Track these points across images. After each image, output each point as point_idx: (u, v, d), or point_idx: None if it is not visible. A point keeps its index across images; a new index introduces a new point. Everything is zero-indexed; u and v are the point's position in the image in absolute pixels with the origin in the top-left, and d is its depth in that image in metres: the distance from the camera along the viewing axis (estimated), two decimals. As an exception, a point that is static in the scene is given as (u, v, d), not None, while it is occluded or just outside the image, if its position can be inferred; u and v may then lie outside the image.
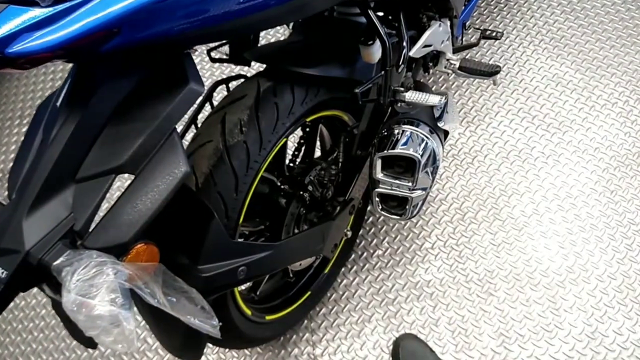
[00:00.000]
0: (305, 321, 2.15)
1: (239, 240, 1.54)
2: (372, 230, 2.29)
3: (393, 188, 1.59)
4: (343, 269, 2.22)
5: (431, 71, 2.02)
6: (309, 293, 1.99)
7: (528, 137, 2.42)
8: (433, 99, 1.53)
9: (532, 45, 2.68)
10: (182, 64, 1.14)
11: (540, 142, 2.41)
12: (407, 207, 1.62)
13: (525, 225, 2.22)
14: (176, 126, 1.14)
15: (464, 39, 2.09)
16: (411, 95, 1.55)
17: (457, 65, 1.94)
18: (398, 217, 1.64)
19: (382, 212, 1.64)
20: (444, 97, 1.55)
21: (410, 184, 1.57)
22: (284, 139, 1.57)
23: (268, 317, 1.81)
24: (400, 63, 1.59)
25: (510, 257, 2.17)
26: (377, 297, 2.16)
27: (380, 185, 1.60)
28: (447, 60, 1.96)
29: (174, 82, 1.14)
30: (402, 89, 1.58)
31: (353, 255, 2.24)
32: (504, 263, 2.16)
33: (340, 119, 1.81)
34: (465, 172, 2.37)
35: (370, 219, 2.32)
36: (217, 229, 1.37)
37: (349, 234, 1.83)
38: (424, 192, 1.60)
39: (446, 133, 1.69)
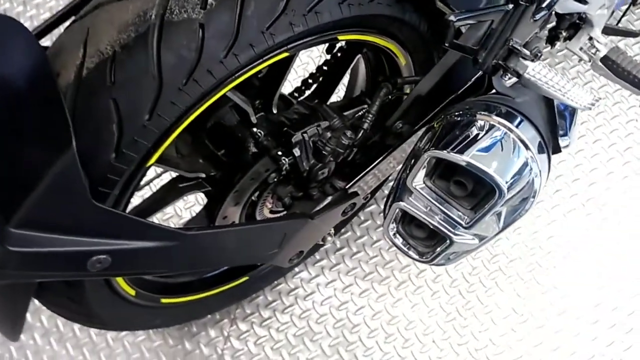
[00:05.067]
0: (231, 302, 1.46)
1: (124, 211, 0.77)
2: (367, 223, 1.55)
3: (430, 212, 0.84)
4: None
5: (557, 46, 1.19)
6: (245, 278, 1.28)
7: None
8: (578, 95, 0.74)
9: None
10: None
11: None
12: (437, 249, 0.87)
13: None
14: None
15: (623, 18, 1.26)
16: (540, 71, 0.77)
17: (602, 54, 1.12)
18: (415, 258, 0.90)
19: (394, 240, 0.90)
20: (595, 98, 0.76)
21: (464, 219, 0.81)
22: (285, 54, 0.79)
23: (165, 300, 1.11)
24: (545, 4, 0.78)
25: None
26: (335, 314, 1.46)
27: (410, 199, 0.84)
28: (590, 39, 1.14)
29: None
30: (527, 52, 0.78)
31: (328, 245, 1.52)
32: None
33: (394, 59, 1.02)
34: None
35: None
36: (69, 168, 0.62)
37: (329, 239, 1.08)
38: (476, 243, 0.85)
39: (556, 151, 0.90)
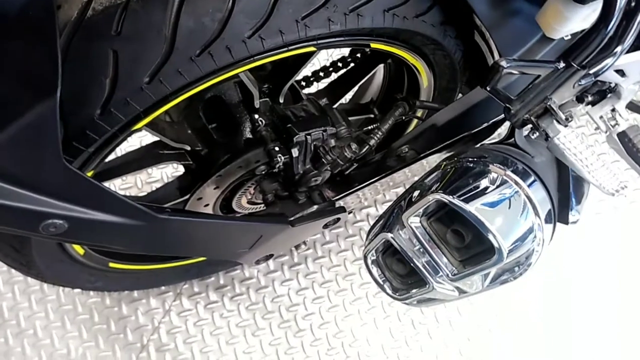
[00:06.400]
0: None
1: (90, 176, 0.69)
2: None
3: (417, 252, 0.78)
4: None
5: (580, 109, 1.15)
6: (203, 258, 1.20)
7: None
8: (604, 178, 0.70)
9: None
10: None
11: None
12: (413, 290, 0.82)
13: None
14: None
15: (647, 97, 1.23)
16: (572, 140, 0.72)
17: (621, 129, 1.08)
18: (388, 292, 0.85)
19: (370, 269, 0.84)
20: (621, 185, 0.72)
21: (451, 270, 0.76)
22: (313, 48, 0.72)
23: (114, 265, 1.03)
24: (593, 71, 0.73)
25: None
26: (284, 314, 1.41)
27: (400, 233, 0.79)
28: (613, 110, 1.10)
29: None
30: (562, 115, 0.73)
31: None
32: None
33: (417, 78, 0.96)
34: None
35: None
36: (46, 117, 0.54)
37: (303, 246, 1.02)
38: (455, 295, 0.80)
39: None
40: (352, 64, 1.00)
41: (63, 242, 0.72)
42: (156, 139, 0.94)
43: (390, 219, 0.81)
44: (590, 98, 1.11)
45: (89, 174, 0.69)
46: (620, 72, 0.99)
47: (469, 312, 1.45)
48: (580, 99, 1.11)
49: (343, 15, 0.67)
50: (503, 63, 0.63)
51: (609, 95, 1.10)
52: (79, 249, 0.90)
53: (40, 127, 0.55)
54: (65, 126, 0.61)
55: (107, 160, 0.86)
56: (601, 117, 1.13)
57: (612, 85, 1.07)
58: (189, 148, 0.91)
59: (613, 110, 1.12)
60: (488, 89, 0.67)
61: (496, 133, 1.11)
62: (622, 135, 1.11)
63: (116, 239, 0.66)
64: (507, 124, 1.01)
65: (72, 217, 0.59)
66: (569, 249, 1.51)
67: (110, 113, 0.62)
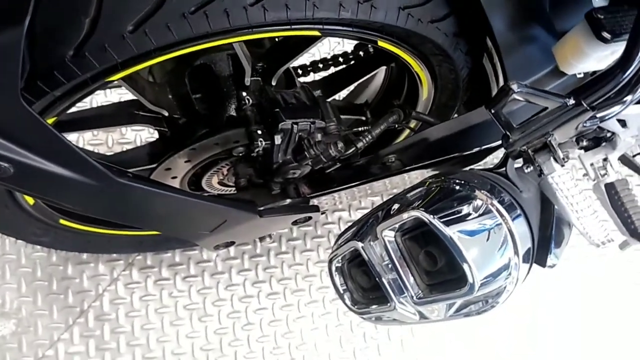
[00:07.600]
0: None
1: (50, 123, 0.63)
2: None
3: (385, 267, 0.74)
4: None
5: (575, 152, 1.12)
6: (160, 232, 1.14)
7: None
8: (592, 227, 0.66)
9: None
10: None
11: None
12: (373, 305, 0.78)
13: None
14: None
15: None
16: (566, 182, 0.68)
17: (610, 180, 1.06)
18: (347, 303, 0.81)
19: (333, 275, 0.80)
20: (607, 238, 0.69)
21: (417, 292, 0.72)
22: (317, 32, 0.67)
23: (65, 222, 0.96)
24: (600, 115, 0.70)
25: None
26: (235, 304, 1.35)
27: (371, 244, 0.74)
28: (605, 160, 1.07)
29: None
30: (560, 153, 0.70)
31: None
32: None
33: (417, 87, 0.91)
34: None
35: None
36: (8, 48, 0.48)
37: (267, 238, 0.96)
38: (415, 319, 0.76)
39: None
40: (353, 61, 0.95)
41: (6, 187, 0.66)
42: (134, 97, 0.87)
43: (364, 228, 0.76)
44: (585, 143, 1.08)
45: (50, 120, 0.63)
46: (622, 122, 0.97)
47: (424, 335, 1.41)
48: (576, 141, 1.08)
49: (356, 3, 0.62)
50: (514, 86, 0.59)
51: (604, 143, 1.08)
52: (28, 199, 0.83)
53: (0, 58, 0.48)
54: (32, 63, 0.55)
55: (77, 109, 0.79)
56: (592, 164, 1.10)
57: (609, 134, 1.04)
58: (166, 114, 0.85)
59: (605, 159, 1.09)
60: (492, 111, 0.63)
61: (483, 161, 1.08)
62: (610, 187, 1.08)
63: (66, 195, 0.60)
64: (497, 152, 0.98)
65: (19, 162, 0.53)
66: (544, 291, 1.49)
67: (84, 57, 0.56)
